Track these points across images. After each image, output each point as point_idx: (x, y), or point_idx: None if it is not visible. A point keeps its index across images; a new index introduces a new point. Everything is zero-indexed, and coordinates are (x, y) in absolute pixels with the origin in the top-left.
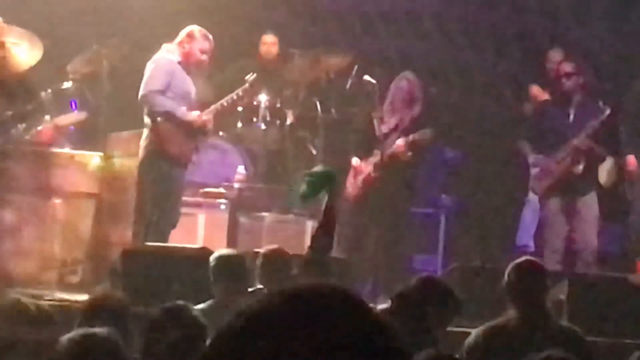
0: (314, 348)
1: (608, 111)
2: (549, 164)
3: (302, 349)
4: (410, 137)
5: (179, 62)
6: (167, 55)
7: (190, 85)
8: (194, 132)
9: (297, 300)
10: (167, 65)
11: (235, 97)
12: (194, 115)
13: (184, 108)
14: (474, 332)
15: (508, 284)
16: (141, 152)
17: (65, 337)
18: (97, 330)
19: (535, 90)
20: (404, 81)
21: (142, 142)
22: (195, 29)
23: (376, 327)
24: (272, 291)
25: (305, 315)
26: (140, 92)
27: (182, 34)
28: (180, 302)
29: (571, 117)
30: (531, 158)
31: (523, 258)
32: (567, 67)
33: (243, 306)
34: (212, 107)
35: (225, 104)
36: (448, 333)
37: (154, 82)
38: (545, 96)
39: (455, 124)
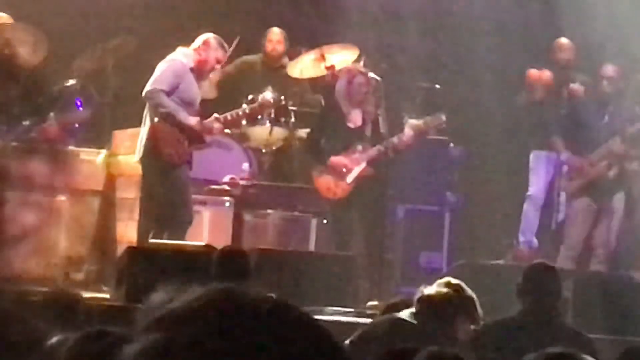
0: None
1: None
2: (581, 164)
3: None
4: (422, 123)
5: (191, 68)
6: (183, 58)
7: (196, 93)
8: (191, 138)
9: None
10: (179, 68)
11: (241, 112)
12: (194, 120)
13: (185, 113)
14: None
15: (523, 285)
16: (138, 149)
17: (75, 336)
18: (111, 329)
19: (532, 74)
20: (359, 76)
21: (140, 139)
22: (211, 37)
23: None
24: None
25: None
26: (146, 88)
27: (199, 40)
28: None
29: (606, 118)
30: (563, 155)
31: (539, 261)
32: (610, 71)
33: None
34: (216, 117)
35: (229, 117)
36: None
37: (162, 81)
38: (545, 75)
39: (460, 121)
